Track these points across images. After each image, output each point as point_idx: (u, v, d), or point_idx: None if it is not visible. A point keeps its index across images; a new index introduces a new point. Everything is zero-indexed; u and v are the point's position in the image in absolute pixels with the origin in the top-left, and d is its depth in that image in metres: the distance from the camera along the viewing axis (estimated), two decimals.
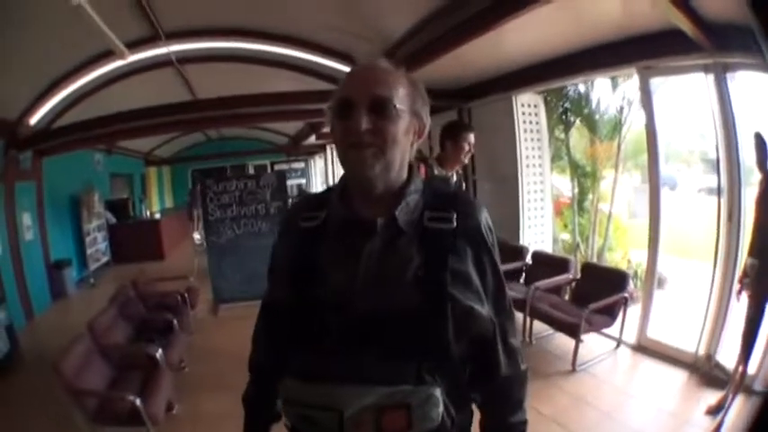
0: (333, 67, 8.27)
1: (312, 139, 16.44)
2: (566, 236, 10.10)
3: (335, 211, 1.53)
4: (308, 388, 1.35)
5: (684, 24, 4.26)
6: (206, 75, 10.33)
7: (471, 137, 4.86)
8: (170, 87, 10.67)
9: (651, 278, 6.08)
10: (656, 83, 5.93)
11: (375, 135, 1.40)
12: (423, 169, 4.63)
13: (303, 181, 25.69)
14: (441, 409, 1.32)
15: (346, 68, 7.39)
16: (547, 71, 6.97)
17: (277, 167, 24.19)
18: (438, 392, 1.31)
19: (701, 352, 5.39)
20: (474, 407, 1.60)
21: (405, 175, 1.55)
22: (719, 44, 4.51)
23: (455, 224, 1.45)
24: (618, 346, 6.14)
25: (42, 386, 5.79)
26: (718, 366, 5.22)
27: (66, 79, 8.35)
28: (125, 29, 6.87)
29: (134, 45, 7.47)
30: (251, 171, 23.85)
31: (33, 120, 9.35)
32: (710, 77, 5.07)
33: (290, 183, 18.03)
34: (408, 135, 1.51)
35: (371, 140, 1.40)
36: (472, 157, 8.67)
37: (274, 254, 1.72)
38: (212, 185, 9.24)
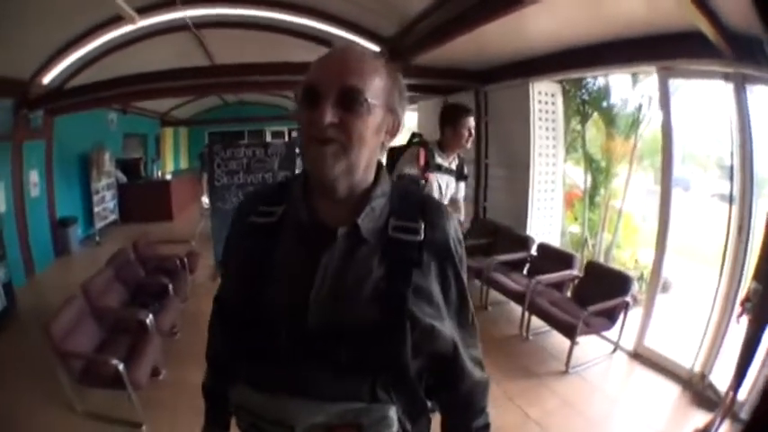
0: (350, 39, 7.85)
1: None
2: (575, 229, 9.97)
3: (294, 211, 1.41)
4: (259, 398, 1.32)
5: (706, 28, 4.12)
6: (223, 41, 10.27)
7: (471, 121, 4.69)
8: (187, 51, 10.59)
9: (655, 284, 5.91)
10: (677, 83, 5.78)
11: (339, 130, 1.27)
12: (423, 154, 4.55)
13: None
14: (394, 428, 1.30)
15: (364, 42, 7.62)
16: (565, 60, 6.86)
17: (294, 135, 23.68)
18: (392, 412, 1.29)
19: (697, 369, 5.27)
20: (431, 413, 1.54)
21: (371, 176, 1.44)
22: (740, 54, 4.37)
23: (422, 236, 1.36)
24: (614, 350, 6.00)
25: (34, 344, 5.74)
26: (711, 387, 5.11)
27: (80, 40, 8.28)
28: None
29: (150, 9, 7.47)
30: (268, 137, 23.81)
31: (46, 79, 9.30)
32: (730, 86, 4.93)
33: None
34: (379, 133, 1.38)
35: (335, 136, 1.27)
36: (485, 141, 8.91)
37: (227, 246, 1.62)
38: (220, 151, 9.15)
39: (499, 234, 8.21)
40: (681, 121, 5.86)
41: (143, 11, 7.26)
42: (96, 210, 13.38)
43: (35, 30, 7.26)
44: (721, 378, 4.91)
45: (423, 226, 1.37)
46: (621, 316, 5.75)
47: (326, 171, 1.28)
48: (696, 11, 3.78)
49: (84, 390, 4.67)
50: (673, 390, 5.26)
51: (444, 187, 4.72)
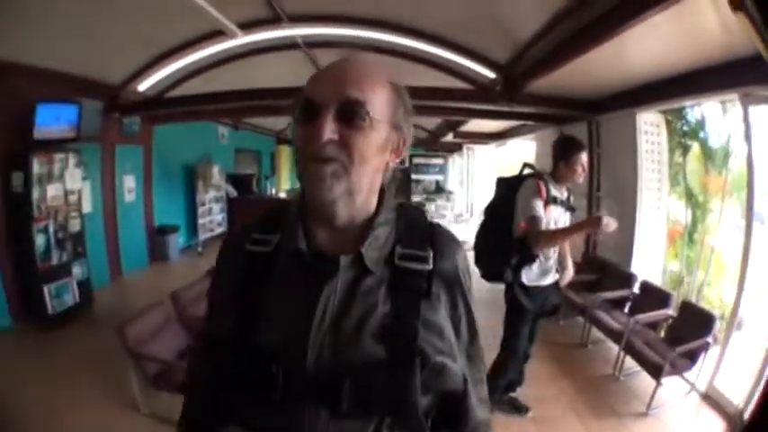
0: (465, 65, 7.95)
1: (450, 137, 15.97)
2: (675, 266, 9.64)
3: (291, 238, 1.28)
4: None
5: (763, 51, 3.74)
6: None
7: (584, 157, 4.56)
8: (300, 70, 10.45)
9: (731, 325, 5.67)
10: (759, 111, 5.48)
11: (340, 148, 1.17)
12: (541, 187, 4.39)
13: (441, 177, 24.13)
14: None
15: (480, 68, 7.60)
16: (663, 90, 6.63)
17: (416, 161, 23.52)
18: None
19: (740, 405, 5.08)
20: None
21: (374, 201, 1.33)
22: None
23: (431, 265, 1.27)
24: (690, 391, 5.79)
25: (105, 343, 5.80)
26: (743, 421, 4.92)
27: (179, 51, 8.36)
28: (244, 9, 6.88)
29: (254, 25, 7.46)
30: None
31: (143, 87, 9.42)
32: None
33: (427, 178, 17.88)
34: (383, 152, 1.28)
35: (335, 154, 1.17)
36: (597, 173, 8.76)
37: (215, 278, 1.49)
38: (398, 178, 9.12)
39: (606, 271, 8.01)
40: (763, 150, 5.60)
41: (247, 26, 7.27)
42: (201, 221, 13.66)
43: (130, 35, 7.39)
44: None
45: (431, 255, 1.28)
46: (702, 357, 5.55)
47: (325, 192, 1.18)
48: (753, 32, 3.49)
49: (152, 392, 4.70)
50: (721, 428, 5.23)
51: (557, 221, 4.55)
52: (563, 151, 4.57)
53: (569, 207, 4.74)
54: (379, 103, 1.21)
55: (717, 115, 8.44)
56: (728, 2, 3.28)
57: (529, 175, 4.63)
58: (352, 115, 1.16)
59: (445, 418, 1.36)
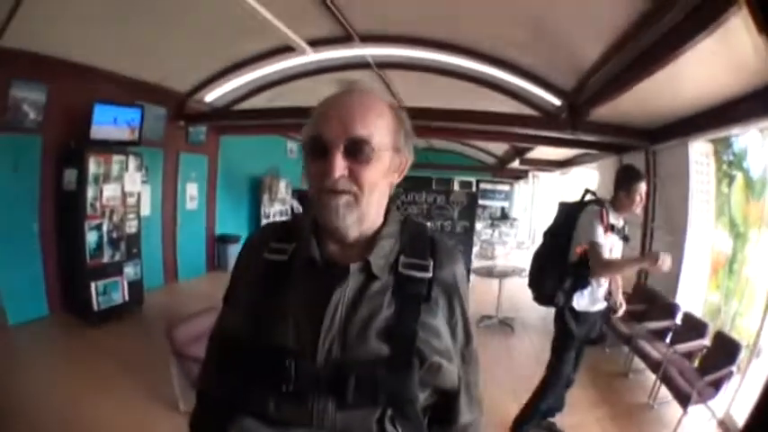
0: (532, 91, 7.58)
1: (516, 163, 15.53)
2: (716, 297, 9.05)
3: (306, 249, 1.32)
4: (267, 430, 1.22)
5: None
6: (406, 83, 9.90)
7: (643, 186, 4.34)
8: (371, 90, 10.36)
9: (752, 353, 5.39)
10: None
11: (351, 181, 1.22)
12: (603, 213, 4.17)
13: (506, 204, 23.81)
14: None
15: (547, 95, 7.41)
16: (710, 117, 6.30)
17: (482, 186, 23.11)
18: None
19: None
20: None
21: (381, 217, 1.37)
22: None
23: (431, 273, 1.31)
24: (711, 419, 5.48)
25: (150, 342, 6.02)
26: None
27: (248, 64, 8.20)
28: (314, 26, 6.78)
29: (326, 43, 7.31)
30: (456, 186, 22.65)
31: (210, 97, 9.35)
32: None
33: (493, 204, 17.49)
34: (388, 175, 1.33)
35: (347, 187, 1.22)
36: (653, 203, 8.36)
37: (233, 282, 1.50)
38: (401, 194, 8.98)
39: (653, 301, 7.65)
40: None
41: (318, 44, 7.14)
42: None
43: (201, 47, 7.38)
44: None
45: (432, 264, 1.33)
46: (725, 385, 5.21)
47: (339, 222, 1.24)
48: None
49: (192, 392, 4.28)
50: None
51: (612, 249, 4.26)
52: (624, 180, 4.37)
53: (624, 237, 4.48)
54: (381, 134, 1.25)
55: (757, 144, 7.85)
56: (754, 25, 2.88)
57: (590, 201, 4.45)
58: (358, 151, 1.20)
59: (438, 416, 1.41)
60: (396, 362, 1.20)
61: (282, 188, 13.99)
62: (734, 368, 5.14)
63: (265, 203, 13.32)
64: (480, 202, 19.73)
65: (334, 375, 1.18)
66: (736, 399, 5.28)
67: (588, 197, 4.46)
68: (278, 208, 13.94)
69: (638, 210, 4.49)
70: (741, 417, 5.09)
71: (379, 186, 1.27)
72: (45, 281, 7.01)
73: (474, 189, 20.97)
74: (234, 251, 11.26)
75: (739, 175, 8.18)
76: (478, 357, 1.48)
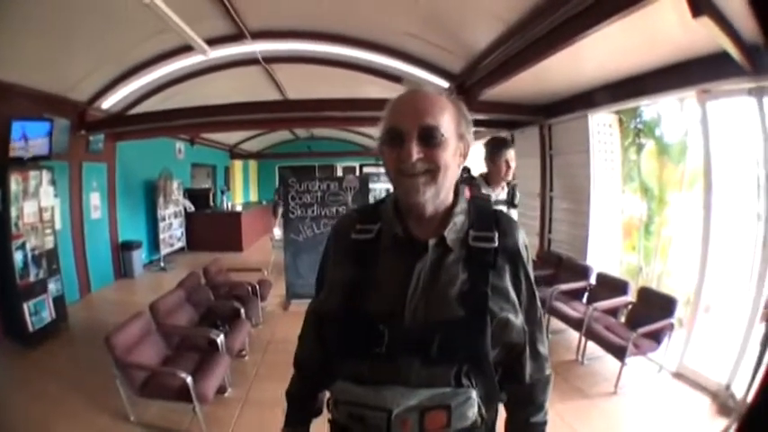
0: (421, 76, 8.32)
1: None
2: (633, 258, 10.12)
3: (389, 227, 1.68)
4: (360, 390, 1.52)
5: (729, 46, 4.38)
6: (294, 76, 10.57)
7: (510, 153, 4.98)
8: (258, 85, 11.04)
9: (695, 305, 6.20)
10: (715, 106, 5.97)
11: (426, 162, 1.54)
12: (466, 190, 4.76)
13: (391, 186, 24.84)
14: (475, 409, 1.50)
15: (434, 78, 7.95)
16: (617, 91, 7.10)
17: (366, 170, 24.19)
18: (474, 394, 1.50)
19: (723, 381, 5.53)
20: (500, 406, 1.73)
21: (452, 196, 1.70)
22: (760, 67, 4.64)
23: (496, 243, 1.63)
24: (660, 370, 6.30)
25: (84, 356, 6.67)
26: (732, 396, 5.38)
27: (143, 68, 8.74)
28: (209, 25, 7.27)
29: (219, 41, 7.87)
30: (339, 172, 24.32)
31: (107, 104, 9.79)
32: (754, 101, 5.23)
33: (377, 186, 18.11)
34: (455, 158, 1.63)
35: (423, 168, 1.54)
36: (550, 174, 9.30)
37: (325, 262, 1.87)
38: (294, 184, 9.42)
39: (562, 265, 8.44)
40: (721, 143, 6.03)
41: (212, 42, 7.61)
42: (162, 236, 13.92)
43: (97, 53, 7.77)
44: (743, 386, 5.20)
45: (497, 235, 1.64)
46: (667, 337, 6.06)
47: (419, 198, 1.55)
48: (717, 30, 4.04)
49: (139, 401, 5.00)
50: (705, 404, 5.58)
51: None
52: (489, 152, 5.03)
53: (510, 203, 5.20)
54: (447, 123, 1.57)
55: (673, 112, 8.99)
56: (689, 9, 3.75)
57: (463, 180, 4.84)
58: (430, 138, 1.53)
59: (508, 373, 1.71)
60: (472, 322, 1.51)
61: (175, 189, 14.58)
62: (673, 320, 6.00)
63: (161, 206, 14.04)
64: (370, 185, 20.99)
65: (420, 335, 1.50)
66: (687, 351, 6.12)
67: (465, 175, 5.01)
68: (172, 209, 14.80)
69: (509, 177, 5.03)
70: (702, 368, 5.92)
71: (450, 166, 1.58)
72: None
73: (358, 173, 22.46)
74: (136, 257, 12.05)
75: (651, 143, 9.29)
76: (542, 317, 1.79)
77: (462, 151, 1.69)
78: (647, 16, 4.30)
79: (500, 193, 5.12)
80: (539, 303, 1.77)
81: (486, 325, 1.53)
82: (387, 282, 1.60)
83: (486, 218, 1.73)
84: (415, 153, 1.52)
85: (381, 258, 1.65)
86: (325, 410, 1.82)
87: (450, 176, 1.62)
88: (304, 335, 1.98)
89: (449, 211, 1.68)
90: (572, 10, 4.83)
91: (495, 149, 4.98)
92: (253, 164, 25.70)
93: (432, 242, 1.62)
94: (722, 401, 5.42)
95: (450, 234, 1.64)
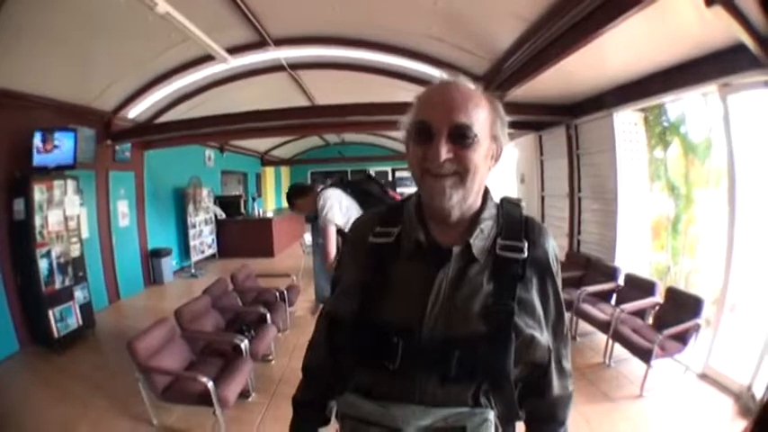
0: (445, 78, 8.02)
1: None
2: (662, 257, 9.95)
3: (410, 231, 1.54)
4: (368, 406, 1.40)
5: (743, 36, 4.21)
6: (321, 81, 10.57)
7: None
8: (286, 91, 10.97)
9: (721, 305, 5.99)
10: (737, 100, 5.75)
11: (455, 163, 1.40)
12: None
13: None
14: (492, 430, 1.37)
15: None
16: (639, 89, 6.96)
17: (399, 174, 24.28)
18: (492, 415, 1.37)
19: (745, 382, 5.33)
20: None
21: (480, 200, 1.57)
22: None
23: (526, 254, 1.48)
24: (685, 372, 6.04)
25: (111, 361, 6.76)
26: (753, 397, 5.19)
27: (169, 77, 8.74)
28: (231, 34, 7.34)
29: (242, 49, 7.90)
30: None
31: (133, 113, 9.80)
32: None
33: (410, 191, 18.13)
34: (487, 161, 1.50)
35: (452, 169, 1.41)
36: (578, 174, 9.23)
37: (342, 265, 1.75)
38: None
39: (590, 266, 8.31)
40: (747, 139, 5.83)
41: (236, 51, 7.64)
42: (193, 243, 13.93)
43: (120, 62, 7.79)
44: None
45: (526, 245, 1.49)
46: (693, 338, 5.83)
47: (445, 202, 1.43)
48: (734, 22, 3.90)
49: (161, 405, 4.99)
50: (728, 405, 5.39)
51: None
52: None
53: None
54: (481, 122, 1.42)
55: (699, 108, 8.58)
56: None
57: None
58: (462, 137, 1.38)
59: (531, 389, 1.56)
60: (495, 338, 1.37)
61: (205, 196, 14.60)
62: (699, 321, 5.74)
63: (191, 213, 13.99)
64: (398, 189, 20.72)
65: (438, 351, 1.36)
66: (713, 352, 5.89)
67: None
68: (202, 217, 14.76)
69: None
70: (726, 368, 5.69)
71: (480, 170, 1.44)
72: (11, 316, 7.36)
73: (390, 178, 22.57)
74: (166, 264, 12.01)
75: (676, 141, 9.06)
76: (569, 333, 1.72)
77: (495, 154, 1.55)
78: (666, 11, 4.25)
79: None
80: (566, 319, 1.64)
81: (510, 342, 1.38)
82: (404, 291, 1.46)
83: (515, 225, 1.57)
84: (444, 152, 1.38)
85: (399, 265, 1.52)
86: (333, 419, 1.74)
87: (479, 180, 1.48)
88: (315, 339, 1.82)
89: (476, 217, 1.55)
90: (591, 5, 4.71)
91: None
92: (285, 170, 25.58)
93: (456, 250, 1.47)
94: (744, 403, 5.25)
95: (476, 242, 1.49)
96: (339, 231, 5.10)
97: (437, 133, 1.38)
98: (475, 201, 1.53)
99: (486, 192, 1.60)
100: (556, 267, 1.59)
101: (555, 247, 1.62)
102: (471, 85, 1.50)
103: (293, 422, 1.88)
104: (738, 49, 4.71)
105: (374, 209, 1.81)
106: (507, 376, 1.40)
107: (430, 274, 1.44)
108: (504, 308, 1.41)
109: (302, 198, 5.64)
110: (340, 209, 5.18)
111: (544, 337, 1.49)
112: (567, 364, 1.66)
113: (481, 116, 1.43)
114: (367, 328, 1.45)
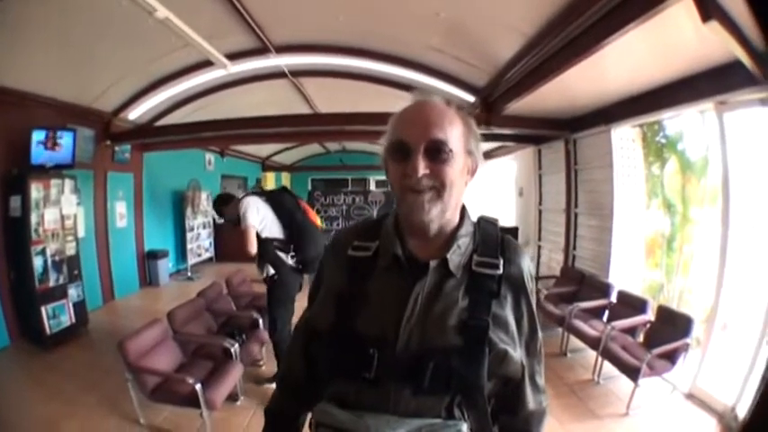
0: (445, 90, 8.08)
1: None
2: (657, 275, 9.89)
3: (388, 246, 1.55)
4: (342, 415, 1.39)
5: (739, 53, 4.18)
6: (321, 89, 10.54)
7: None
8: (286, 98, 10.97)
9: (711, 324, 5.93)
10: (733, 118, 5.73)
11: (432, 179, 1.43)
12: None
13: None
14: None
15: (459, 92, 7.92)
16: (636, 105, 6.95)
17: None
18: (465, 428, 1.36)
19: (729, 402, 5.31)
20: None
21: (458, 216, 1.58)
22: None
23: (501, 270, 1.49)
24: (672, 391, 6.01)
25: (102, 360, 6.70)
26: (735, 417, 5.17)
27: (169, 80, 8.73)
28: (232, 41, 7.37)
29: (243, 55, 7.91)
30: (372, 185, 24.02)
31: (133, 115, 9.76)
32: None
33: None
34: (463, 175, 1.53)
35: (430, 184, 1.43)
36: (575, 190, 9.18)
37: (319, 277, 1.74)
38: (320, 197, 9.40)
39: (584, 282, 8.26)
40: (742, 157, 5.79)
41: (237, 56, 7.68)
42: (190, 246, 13.94)
43: (120, 64, 7.77)
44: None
45: (501, 262, 1.51)
46: (682, 358, 5.81)
47: (424, 216, 1.44)
48: (731, 39, 3.87)
49: (150, 405, 4.98)
50: (712, 424, 5.39)
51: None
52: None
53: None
54: (455, 137, 1.46)
55: (696, 126, 8.48)
56: (699, 14, 3.61)
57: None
58: (437, 152, 1.42)
59: (504, 405, 1.58)
60: (469, 351, 1.39)
61: (204, 200, 14.56)
62: (689, 341, 5.73)
63: (189, 216, 14.02)
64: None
65: (413, 363, 1.38)
66: (701, 372, 5.84)
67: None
68: (201, 220, 14.82)
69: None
70: (713, 388, 5.66)
71: (457, 184, 1.48)
72: (2, 310, 7.38)
73: (390, 188, 22.35)
74: (163, 266, 12.02)
75: (673, 158, 9.01)
76: (542, 350, 1.66)
77: (470, 168, 1.59)
78: (663, 26, 4.27)
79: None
80: (539, 336, 1.64)
81: (484, 356, 1.41)
82: (381, 303, 1.48)
83: (491, 243, 1.60)
84: (422, 168, 1.42)
85: (377, 278, 1.53)
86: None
87: (456, 194, 1.51)
88: (292, 348, 1.82)
89: (453, 233, 1.56)
90: (586, 21, 4.77)
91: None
92: (285, 176, 25.39)
93: (433, 264, 1.49)
94: (727, 423, 5.25)
95: (453, 257, 1.51)
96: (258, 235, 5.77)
97: (414, 150, 1.42)
98: (453, 216, 1.55)
99: (464, 209, 1.63)
100: (530, 286, 1.60)
101: (530, 266, 1.64)
102: (444, 104, 1.52)
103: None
104: (735, 65, 4.69)
105: (354, 222, 1.91)
106: (481, 389, 1.41)
107: (406, 287, 1.46)
108: (478, 322, 1.42)
109: (226, 206, 6.21)
110: (258, 213, 5.75)
111: (517, 352, 1.50)
112: (541, 381, 1.65)
113: (455, 132, 1.47)
114: (344, 338, 1.46)
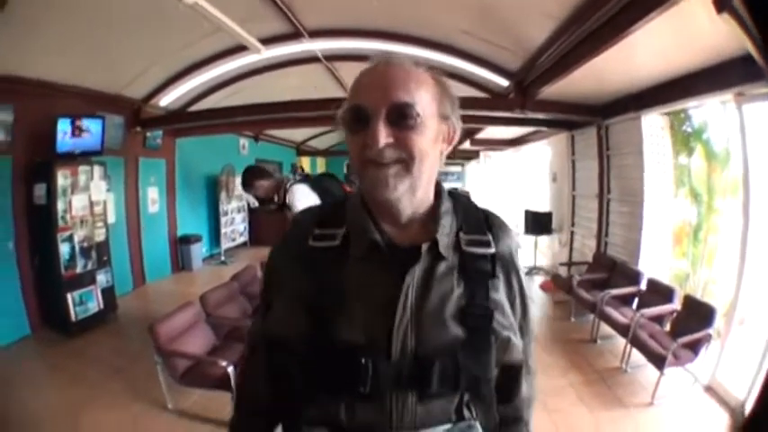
0: (479, 73, 8.11)
1: (467, 144, 15.69)
2: (683, 264, 9.64)
3: (360, 231, 1.28)
4: None
5: (749, 46, 3.86)
6: (356, 73, 10.26)
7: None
8: (321, 82, 10.79)
9: (730, 319, 5.71)
10: (753, 109, 5.50)
11: (398, 149, 1.18)
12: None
13: (460, 185, 25.04)
14: None
15: (493, 76, 7.81)
16: (665, 93, 6.74)
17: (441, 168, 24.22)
18: (479, 427, 1.25)
19: (741, 397, 5.14)
20: None
21: (432, 192, 1.35)
22: None
23: (493, 248, 1.32)
24: (694, 383, 5.80)
25: (131, 345, 6.72)
26: (743, 412, 5.00)
27: (202, 66, 8.56)
28: (266, 26, 7.18)
29: (276, 40, 7.71)
30: None
31: (165, 101, 9.66)
32: None
33: (445, 185, 18.14)
34: (437, 144, 1.28)
35: (395, 156, 1.18)
36: (607, 175, 9.00)
37: (270, 279, 1.47)
38: (356, 180, 9.23)
39: (615, 269, 8.09)
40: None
41: (270, 41, 7.49)
42: (224, 231, 13.85)
43: (150, 51, 7.64)
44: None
45: (491, 238, 1.33)
46: (704, 349, 5.61)
47: (389, 193, 1.20)
48: (741, 31, 3.56)
49: (178, 389, 4.92)
50: (725, 419, 5.21)
51: None
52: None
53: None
54: (425, 99, 1.20)
55: (719, 116, 8.25)
56: (713, 4, 3.38)
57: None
58: (403, 117, 1.16)
59: (500, 392, 1.35)
60: (474, 343, 1.20)
61: (238, 185, 13.88)
62: (711, 331, 5.54)
63: (223, 201, 13.83)
64: (445, 185, 21.04)
65: (414, 367, 1.16)
66: (720, 365, 5.65)
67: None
68: (235, 204, 14.64)
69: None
70: (729, 382, 5.46)
71: (429, 155, 1.23)
72: (24, 299, 7.21)
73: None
74: (196, 251, 11.91)
75: (699, 147, 8.75)
76: (534, 330, 1.49)
77: (446, 135, 1.32)
78: (687, 16, 4.16)
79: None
80: (530, 315, 1.45)
81: (490, 346, 1.23)
82: (363, 301, 1.21)
83: (475, 218, 1.40)
84: (383, 137, 1.16)
85: (351, 271, 1.24)
86: None
87: (428, 167, 1.25)
88: (252, 371, 1.48)
89: (433, 212, 1.33)
90: (618, 5, 4.54)
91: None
92: (321, 160, 25.27)
93: (424, 247, 1.25)
94: (738, 418, 5.05)
95: (441, 238, 1.27)
96: None
97: (373, 116, 1.16)
98: (427, 192, 1.32)
99: (439, 184, 1.39)
100: (520, 263, 1.42)
101: (518, 242, 1.45)
102: (410, 63, 1.27)
103: None
104: (752, 57, 4.37)
105: (308, 207, 1.55)
106: (489, 382, 1.26)
107: (391, 279, 1.21)
108: (480, 309, 1.24)
109: (261, 180, 5.40)
110: (307, 203, 5.01)
111: (518, 337, 1.34)
112: (534, 363, 1.49)
113: (424, 94, 1.21)
114: (325, 350, 1.18)
